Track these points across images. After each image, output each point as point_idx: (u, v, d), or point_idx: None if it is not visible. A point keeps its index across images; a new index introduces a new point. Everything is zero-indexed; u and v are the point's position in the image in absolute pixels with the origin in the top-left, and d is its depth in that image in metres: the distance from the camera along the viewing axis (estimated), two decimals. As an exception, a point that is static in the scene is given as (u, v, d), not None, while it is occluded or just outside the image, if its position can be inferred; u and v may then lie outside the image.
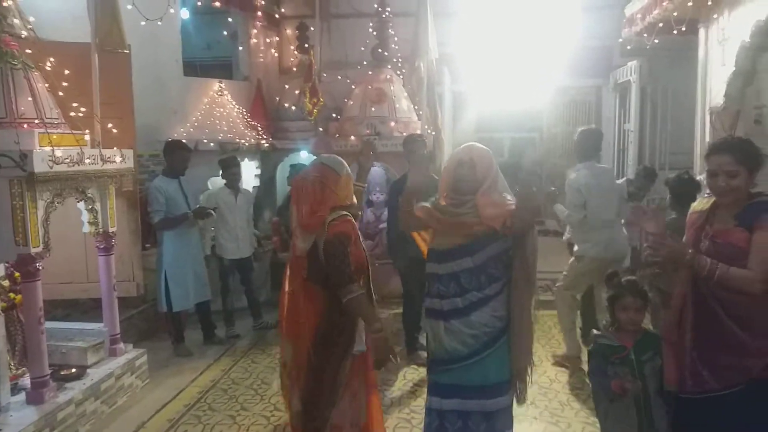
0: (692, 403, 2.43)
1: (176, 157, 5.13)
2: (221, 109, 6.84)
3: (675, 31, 5.13)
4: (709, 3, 4.97)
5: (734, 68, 4.78)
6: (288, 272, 3.00)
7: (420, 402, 4.17)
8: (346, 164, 2.95)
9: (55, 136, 3.73)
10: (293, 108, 7.41)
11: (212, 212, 5.21)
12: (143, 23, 5.00)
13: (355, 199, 3.00)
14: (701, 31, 5.39)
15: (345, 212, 2.85)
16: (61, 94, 4.07)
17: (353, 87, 7.31)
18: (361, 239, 2.89)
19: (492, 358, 2.72)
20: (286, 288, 2.98)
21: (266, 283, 6.76)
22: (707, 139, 5.35)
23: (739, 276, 2.25)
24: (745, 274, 2.25)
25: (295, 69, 7.69)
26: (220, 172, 5.79)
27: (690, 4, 4.84)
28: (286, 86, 7.65)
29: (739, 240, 2.31)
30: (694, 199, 3.22)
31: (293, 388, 2.91)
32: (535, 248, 2.72)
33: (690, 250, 2.35)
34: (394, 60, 7.33)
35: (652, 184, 5.56)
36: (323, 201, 2.80)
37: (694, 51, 5.55)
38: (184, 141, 5.60)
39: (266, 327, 5.88)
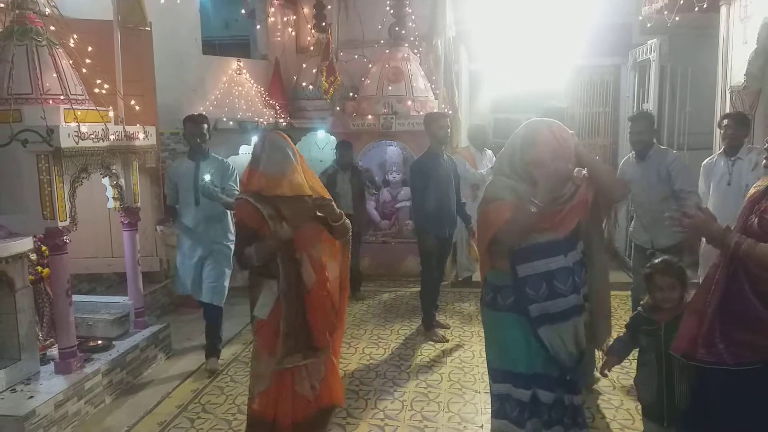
0: (705, 371, 2.45)
1: (186, 130, 4.47)
2: (240, 88, 6.88)
3: (696, 9, 5.06)
4: (733, -21, 4.90)
5: (756, 46, 4.72)
6: None
7: (436, 377, 4.25)
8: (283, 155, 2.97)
9: (80, 112, 3.81)
10: (310, 87, 7.45)
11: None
12: (163, 1, 5.05)
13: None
14: (723, 9, 5.32)
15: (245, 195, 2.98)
16: (84, 70, 4.13)
17: (370, 66, 7.32)
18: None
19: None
20: None
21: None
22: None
23: (764, 253, 2.22)
24: None
25: (312, 48, 7.71)
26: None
27: (713, -20, 4.79)
28: (304, 65, 7.67)
29: None
30: None
31: None
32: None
33: (720, 225, 2.34)
34: (411, 38, 7.32)
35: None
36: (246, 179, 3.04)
37: (716, 29, 5.49)
38: (199, 113, 4.78)
39: None
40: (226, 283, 4.49)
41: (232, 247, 4.26)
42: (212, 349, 4.54)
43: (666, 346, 2.64)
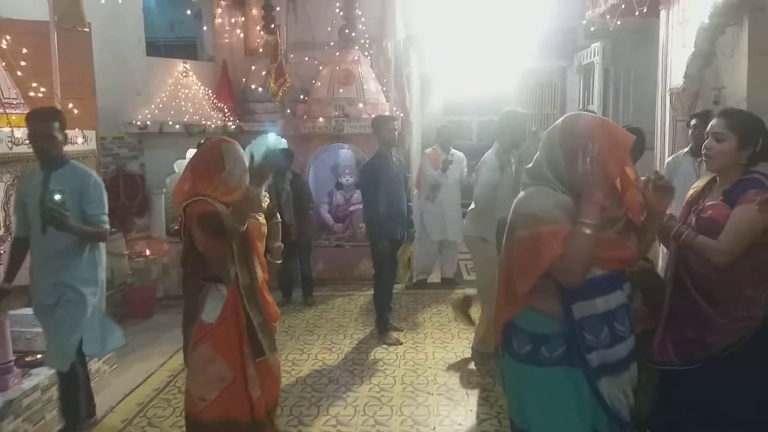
0: (665, 375, 2.49)
1: (29, 131, 3.32)
2: (186, 91, 6.72)
3: (637, 13, 5.22)
4: (670, -15, 5.07)
5: (693, 50, 4.90)
6: None
7: (390, 380, 4.23)
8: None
9: (14, 117, 3.66)
10: (260, 89, 7.33)
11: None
12: (103, 1, 4.89)
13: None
14: (662, 13, 5.50)
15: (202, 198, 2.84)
16: (19, 73, 3.99)
17: (321, 68, 7.27)
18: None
19: None
20: None
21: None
22: (667, 119, 5.48)
23: (704, 245, 2.29)
24: (710, 244, 2.27)
25: (261, 50, 7.58)
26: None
27: (651, -15, 4.93)
28: (253, 67, 7.55)
29: (720, 215, 2.29)
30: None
31: None
32: None
33: (667, 213, 2.36)
34: (362, 41, 7.30)
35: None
36: (192, 184, 2.89)
37: (656, 33, 5.66)
38: (48, 107, 3.64)
39: None
40: (74, 340, 3.35)
41: (90, 294, 3.36)
42: (70, 424, 3.54)
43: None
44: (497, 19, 7.23)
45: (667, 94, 5.46)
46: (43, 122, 3.24)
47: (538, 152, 2.09)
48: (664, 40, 5.53)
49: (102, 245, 3.48)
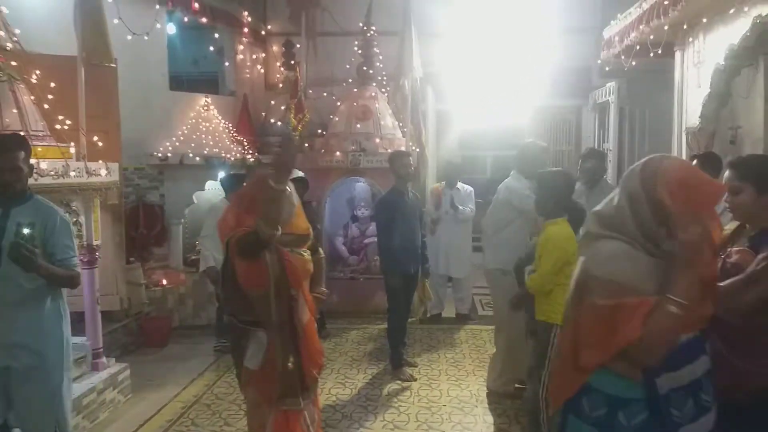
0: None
1: None
2: (207, 124, 6.86)
3: (652, 54, 5.29)
4: (685, 27, 5.12)
5: (709, 90, 4.93)
6: None
7: (404, 418, 4.19)
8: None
9: (40, 149, 3.75)
10: (279, 123, 7.46)
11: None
12: (129, 37, 5.05)
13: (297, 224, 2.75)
14: (677, 54, 5.55)
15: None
16: (46, 106, 4.09)
17: (339, 104, 7.40)
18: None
19: None
20: None
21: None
22: (684, 158, 5.49)
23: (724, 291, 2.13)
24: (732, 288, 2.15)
25: (281, 85, 7.76)
26: (224, 186, 5.55)
27: (666, 27, 4.99)
28: (272, 102, 7.71)
29: (744, 261, 2.21)
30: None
31: None
32: None
33: None
34: (379, 78, 7.44)
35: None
36: (238, 217, 2.67)
37: (671, 73, 5.71)
38: (13, 133, 3.33)
39: (226, 351, 5.38)
40: (67, 416, 2.95)
41: (55, 354, 2.86)
42: None
43: None
44: (512, 58, 7.36)
45: (683, 133, 5.47)
46: (7, 153, 2.78)
47: (616, 197, 1.83)
48: (680, 80, 5.57)
49: (65, 295, 2.99)
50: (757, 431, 2.23)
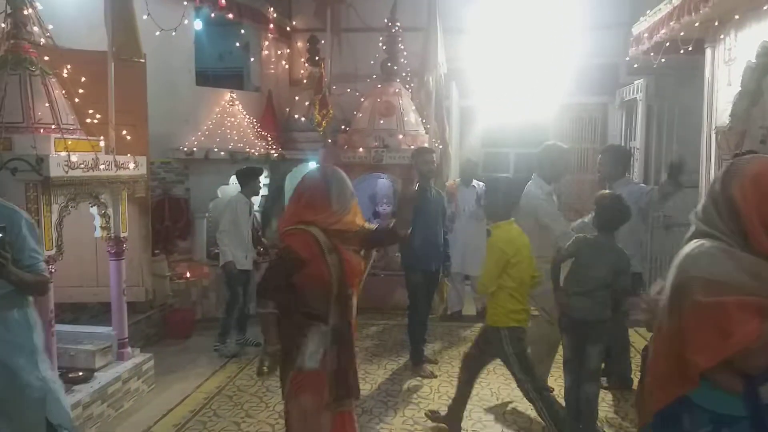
0: None
1: None
2: (232, 119, 6.93)
3: (681, 51, 5.20)
4: (716, 24, 5.03)
5: (740, 88, 4.83)
6: None
7: (423, 414, 4.19)
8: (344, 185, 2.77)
9: (70, 142, 3.82)
10: (303, 119, 7.51)
11: None
12: (158, 33, 5.12)
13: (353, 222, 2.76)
14: (708, 51, 5.45)
15: (303, 226, 2.65)
16: (77, 100, 4.17)
17: (362, 100, 7.41)
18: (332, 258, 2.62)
19: None
20: None
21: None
22: (713, 158, 5.39)
23: None
24: None
25: (305, 81, 7.79)
26: (238, 180, 5.60)
27: (697, 24, 4.90)
28: (296, 98, 7.75)
29: None
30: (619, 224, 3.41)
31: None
32: None
33: None
34: (403, 74, 7.43)
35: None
36: (296, 212, 2.72)
37: (701, 70, 5.61)
38: None
39: (248, 344, 5.63)
40: (65, 416, 2.72)
41: (29, 364, 2.57)
42: None
43: None
44: (538, 54, 7.29)
45: (713, 132, 5.37)
46: None
47: (705, 198, 1.78)
48: (710, 78, 5.47)
49: (32, 303, 2.72)
50: None
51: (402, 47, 7.30)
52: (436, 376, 4.89)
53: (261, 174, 5.80)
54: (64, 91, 4.05)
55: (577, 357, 3.61)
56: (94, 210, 4.23)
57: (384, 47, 7.28)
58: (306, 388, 2.64)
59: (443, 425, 3.94)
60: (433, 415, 4.03)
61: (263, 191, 7.48)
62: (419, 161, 5.05)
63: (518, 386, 3.66)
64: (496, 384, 4.71)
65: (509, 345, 3.55)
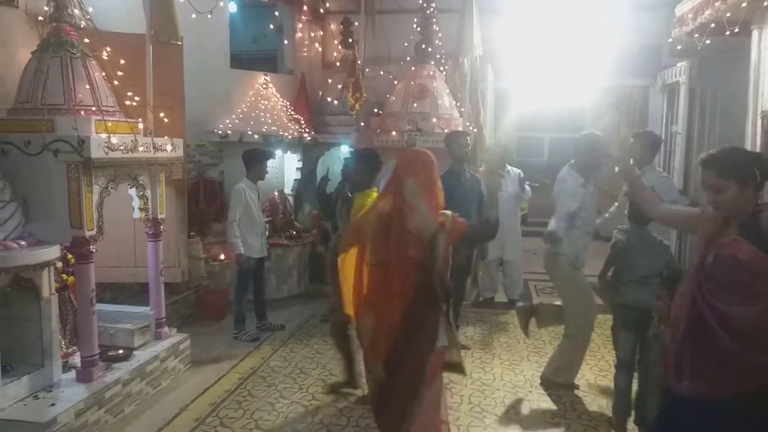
0: (671, 406, 2.44)
1: None
2: (266, 102, 6.95)
3: (727, 32, 5.00)
4: (765, 4, 4.82)
5: (789, 71, 4.65)
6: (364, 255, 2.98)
7: (457, 399, 4.18)
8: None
9: (110, 124, 3.87)
10: (335, 102, 7.48)
11: None
12: (194, 16, 5.12)
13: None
14: (754, 33, 5.24)
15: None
16: (116, 83, 4.22)
17: (395, 82, 7.34)
18: None
19: None
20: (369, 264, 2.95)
21: (304, 276, 6.88)
22: (758, 143, 5.21)
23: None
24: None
25: (338, 64, 7.76)
26: (244, 163, 5.53)
27: (744, 5, 4.71)
28: (329, 81, 7.72)
29: (741, 251, 2.21)
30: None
31: (375, 359, 2.85)
32: None
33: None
34: (438, 56, 7.32)
35: None
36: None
37: (747, 53, 5.40)
38: None
39: (270, 328, 5.64)
40: None
41: None
42: None
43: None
44: (577, 36, 7.11)
45: (759, 116, 5.19)
46: None
47: None
48: (756, 60, 5.27)
49: None
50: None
51: (437, 29, 7.19)
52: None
53: (268, 157, 5.65)
54: (103, 74, 4.10)
55: (634, 356, 3.61)
56: (132, 191, 4.30)
57: (418, 29, 7.18)
58: (439, 365, 2.83)
59: None
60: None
61: (296, 175, 7.51)
62: (453, 145, 5.01)
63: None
64: (530, 371, 4.67)
65: None
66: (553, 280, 4.59)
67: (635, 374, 3.62)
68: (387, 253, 2.82)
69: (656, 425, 2.63)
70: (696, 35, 5.43)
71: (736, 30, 4.96)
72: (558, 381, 4.35)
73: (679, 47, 6.05)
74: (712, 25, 5.16)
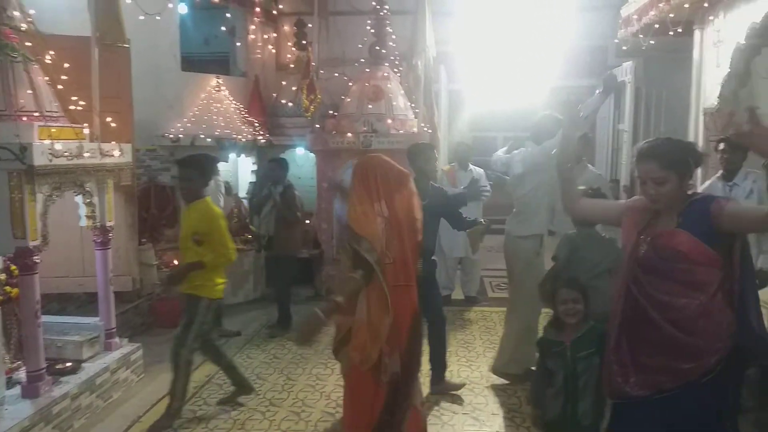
0: (622, 407, 2.41)
1: None
2: (218, 105, 6.84)
3: (671, 33, 5.19)
4: (705, 5, 5.01)
5: (729, 70, 4.84)
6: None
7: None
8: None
9: (54, 130, 3.75)
10: (290, 104, 7.43)
11: None
12: (142, 17, 5.00)
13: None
14: (696, 33, 5.45)
15: None
16: (60, 87, 4.09)
17: (350, 84, 7.33)
18: None
19: None
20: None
21: (260, 280, 6.80)
22: (700, 140, 5.41)
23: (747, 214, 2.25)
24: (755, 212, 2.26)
25: (292, 65, 7.71)
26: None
27: (686, 6, 4.89)
28: (284, 83, 7.66)
29: (681, 243, 2.20)
30: None
31: (393, 351, 2.79)
32: None
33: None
34: (392, 58, 7.35)
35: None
36: None
37: (689, 52, 5.61)
38: None
39: (226, 335, 5.49)
40: None
41: None
42: None
43: (573, 365, 2.76)
44: (527, 37, 7.23)
45: (701, 114, 5.39)
46: None
47: None
48: (698, 60, 5.47)
49: None
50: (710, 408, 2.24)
51: (390, 31, 7.21)
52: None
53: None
54: (47, 78, 3.97)
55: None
56: (79, 199, 4.16)
57: (372, 31, 7.19)
58: None
59: None
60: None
61: (251, 178, 7.42)
62: (420, 159, 4.22)
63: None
64: (486, 367, 4.72)
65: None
66: (509, 263, 4.51)
67: None
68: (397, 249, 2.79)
69: (592, 419, 2.70)
70: (641, 35, 5.61)
71: (680, 30, 5.15)
72: (510, 372, 4.41)
73: (624, 47, 6.25)
74: (657, 25, 5.34)
